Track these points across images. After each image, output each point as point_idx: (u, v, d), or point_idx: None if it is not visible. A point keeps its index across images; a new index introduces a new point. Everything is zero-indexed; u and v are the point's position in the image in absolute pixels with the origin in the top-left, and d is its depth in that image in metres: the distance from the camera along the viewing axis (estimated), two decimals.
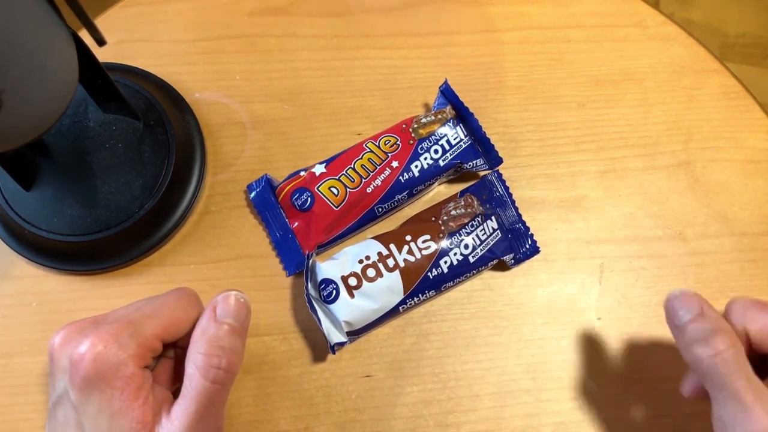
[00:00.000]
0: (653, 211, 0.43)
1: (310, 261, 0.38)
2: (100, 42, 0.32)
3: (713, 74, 0.47)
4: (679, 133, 0.45)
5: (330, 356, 0.39)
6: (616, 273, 0.41)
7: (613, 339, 0.40)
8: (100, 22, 0.47)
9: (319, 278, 0.38)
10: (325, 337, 0.36)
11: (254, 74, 0.46)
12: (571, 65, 0.47)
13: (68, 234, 0.39)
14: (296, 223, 0.40)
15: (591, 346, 0.40)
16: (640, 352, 0.40)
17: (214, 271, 0.41)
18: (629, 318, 0.40)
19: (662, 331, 0.40)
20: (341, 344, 0.37)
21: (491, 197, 0.41)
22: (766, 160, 0.44)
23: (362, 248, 0.38)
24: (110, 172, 0.40)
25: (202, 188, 0.42)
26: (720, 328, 0.29)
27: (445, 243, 0.38)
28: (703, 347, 0.28)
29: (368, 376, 0.39)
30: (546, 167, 0.44)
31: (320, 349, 0.39)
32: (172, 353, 0.32)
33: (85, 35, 0.33)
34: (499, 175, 0.42)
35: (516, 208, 0.41)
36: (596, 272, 0.41)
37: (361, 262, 0.38)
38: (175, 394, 0.30)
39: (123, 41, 0.46)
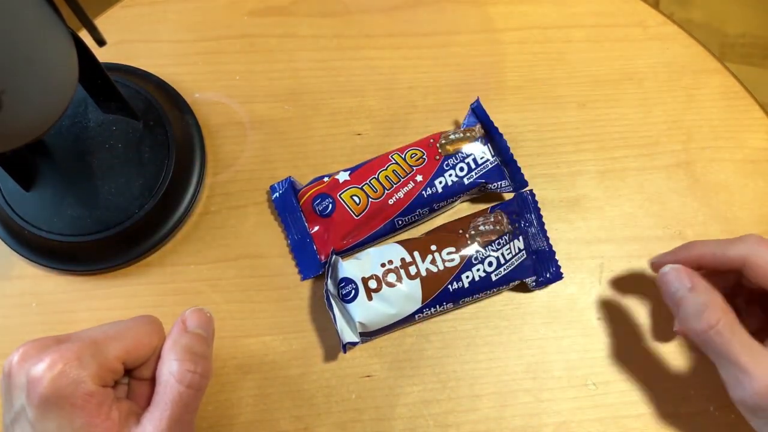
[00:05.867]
0: (653, 211, 0.43)
1: (332, 258, 0.38)
2: (100, 42, 0.32)
3: (713, 74, 0.47)
4: (679, 133, 0.45)
5: (330, 356, 0.39)
6: (616, 273, 0.41)
7: (613, 339, 0.40)
8: (100, 22, 0.47)
9: (340, 276, 0.38)
10: (339, 335, 0.36)
11: (254, 74, 0.46)
12: (571, 65, 0.47)
13: (68, 234, 0.39)
14: (315, 228, 0.40)
15: (591, 346, 0.40)
16: (640, 351, 0.40)
17: (214, 271, 0.41)
18: (629, 318, 0.40)
19: (662, 331, 0.40)
20: (353, 344, 0.37)
21: (521, 216, 0.40)
22: (766, 160, 0.44)
23: (386, 252, 0.38)
24: (110, 173, 0.40)
25: (202, 188, 0.42)
26: (710, 300, 0.32)
27: (469, 258, 0.38)
28: (697, 321, 0.31)
29: (368, 376, 0.39)
30: (546, 167, 0.44)
31: (320, 349, 0.39)
32: (126, 380, 0.31)
33: (85, 35, 0.33)
34: (533, 196, 0.41)
35: (545, 231, 0.41)
36: (596, 272, 0.41)
37: (383, 265, 0.38)
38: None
39: (123, 41, 0.46)
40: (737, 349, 0.30)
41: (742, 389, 0.30)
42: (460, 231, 0.39)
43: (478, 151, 0.41)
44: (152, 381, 0.31)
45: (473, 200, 0.43)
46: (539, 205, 0.41)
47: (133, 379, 0.31)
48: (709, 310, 0.31)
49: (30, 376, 0.27)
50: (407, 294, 0.37)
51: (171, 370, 0.29)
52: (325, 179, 0.41)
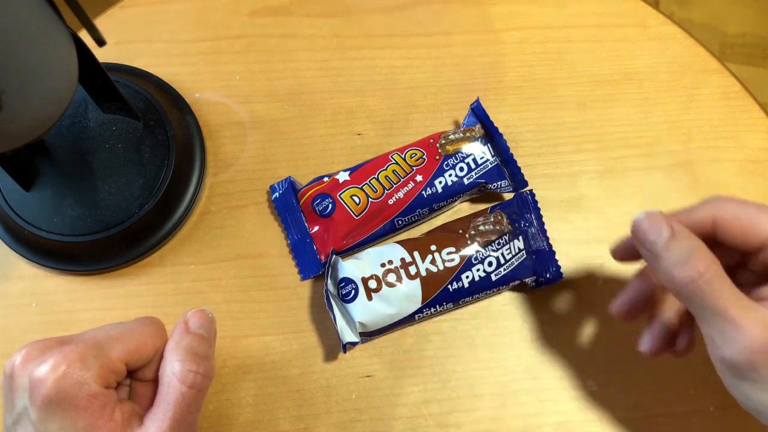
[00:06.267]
0: None
1: (332, 258, 0.38)
2: (100, 42, 0.32)
3: (713, 74, 0.47)
4: (679, 133, 0.45)
5: (330, 356, 0.39)
6: (616, 273, 0.41)
7: (613, 339, 0.40)
8: (100, 22, 0.47)
9: (340, 276, 0.38)
10: (339, 335, 0.36)
11: (254, 74, 0.46)
12: (571, 65, 0.47)
13: (68, 234, 0.39)
14: (315, 228, 0.40)
15: (591, 345, 0.40)
16: (640, 351, 0.40)
17: (214, 272, 0.41)
18: None
19: None
20: (353, 344, 0.37)
21: (521, 216, 0.40)
22: (766, 160, 0.44)
23: (386, 251, 0.38)
24: (110, 173, 0.40)
25: (202, 188, 0.42)
26: (696, 247, 0.28)
27: (469, 258, 0.38)
28: (683, 270, 0.27)
29: (368, 376, 0.39)
30: (546, 167, 0.44)
31: (320, 349, 0.39)
32: (128, 382, 0.32)
33: (85, 35, 0.33)
34: (533, 196, 0.41)
35: (545, 231, 0.41)
36: (596, 272, 0.41)
37: (383, 265, 0.38)
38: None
39: (123, 41, 0.46)
40: (726, 301, 0.27)
41: (729, 345, 0.27)
42: (460, 231, 0.39)
43: (478, 151, 0.41)
44: (154, 382, 0.31)
45: (473, 200, 0.43)
46: (539, 205, 0.41)
47: (135, 381, 0.31)
48: (695, 256, 0.27)
49: (33, 377, 0.27)
50: (407, 294, 0.37)
51: (173, 371, 0.30)
52: (325, 179, 0.41)
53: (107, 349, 0.29)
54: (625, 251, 0.33)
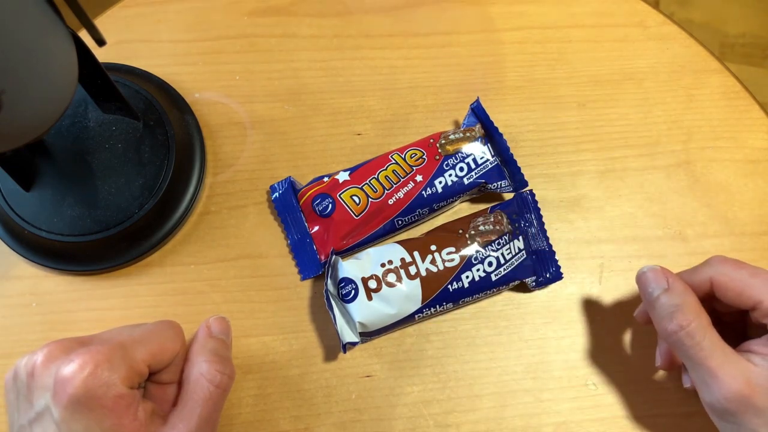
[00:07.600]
0: (653, 211, 0.43)
1: (332, 258, 0.38)
2: (100, 42, 0.32)
3: (713, 74, 0.47)
4: (679, 133, 0.45)
5: (330, 356, 0.39)
6: (616, 273, 0.41)
7: (613, 338, 0.40)
8: (100, 22, 0.47)
9: (340, 276, 0.38)
10: (338, 335, 0.36)
11: (254, 74, 0.46)
12: (571, 65, 0.47)
13: (68, 234, 0.39)
14: (315, 228, 0.40)
15: (591, 345, 0.40)
16: (640, 351, 0.40)
17: (214, 272, 0.41)
18: (629, 318, 0.40)
19: None
20: (353, 344, 0.37)
21: (521, 216, 0.40)
22: (766, 160, 0.44)
23: (386, 252, 0.38)
24: (110, 173, 0.40)
25: (202, 188, 0.42)
26: (684, 303, 0.31)
27: (469, 258, 0.38)
28: (669, 322, 0.31)
29: (368, 376, 0.39)
30: (546, 167, 0.44)
31: (320, 349, 0.39)
32: (143, 383, 0.32)
33: (85, 35, 0.33)
34: (533, 196, 0.41)
35: (544, 231, 0.41)
36: (596, 272, 0.41)
37: (383, 265, 0.38)
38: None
39: (123, 41, 0.46)
40: (706, 353, 0.30)
41: (710, 393, 0.30)
42: (460, 231, 0.39)
43: (478, 151, 0.41)
44: (170, 385, 0.32)
45: (473, 200, 0.43)
46: (539, 205, 0.41)
47: (150, 383, 0.32)
48: (681, 311, 0.31)
49: (58, 376, 0.27)
50: (407, 294, 0.37)
51: (201, 371, 0.31)
52: (325, 179, 0.41)
53: (132, 351, 0.29)
54: (645, 316, 0.36)
